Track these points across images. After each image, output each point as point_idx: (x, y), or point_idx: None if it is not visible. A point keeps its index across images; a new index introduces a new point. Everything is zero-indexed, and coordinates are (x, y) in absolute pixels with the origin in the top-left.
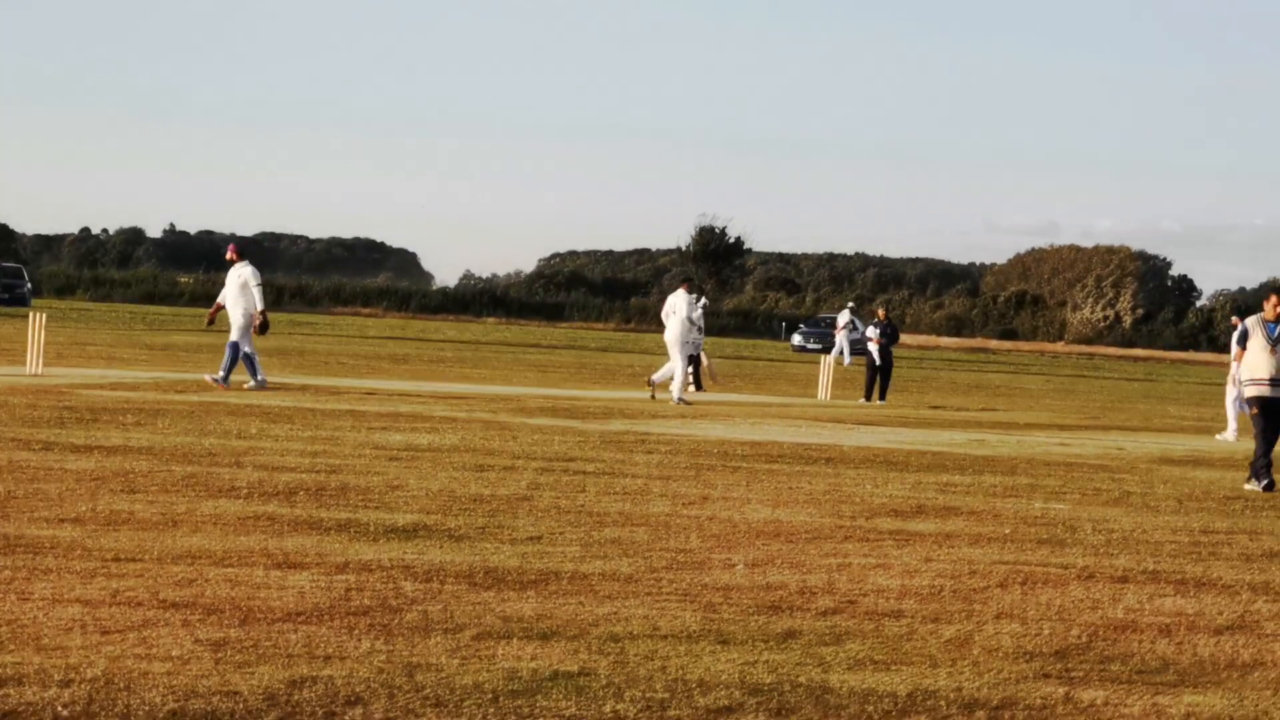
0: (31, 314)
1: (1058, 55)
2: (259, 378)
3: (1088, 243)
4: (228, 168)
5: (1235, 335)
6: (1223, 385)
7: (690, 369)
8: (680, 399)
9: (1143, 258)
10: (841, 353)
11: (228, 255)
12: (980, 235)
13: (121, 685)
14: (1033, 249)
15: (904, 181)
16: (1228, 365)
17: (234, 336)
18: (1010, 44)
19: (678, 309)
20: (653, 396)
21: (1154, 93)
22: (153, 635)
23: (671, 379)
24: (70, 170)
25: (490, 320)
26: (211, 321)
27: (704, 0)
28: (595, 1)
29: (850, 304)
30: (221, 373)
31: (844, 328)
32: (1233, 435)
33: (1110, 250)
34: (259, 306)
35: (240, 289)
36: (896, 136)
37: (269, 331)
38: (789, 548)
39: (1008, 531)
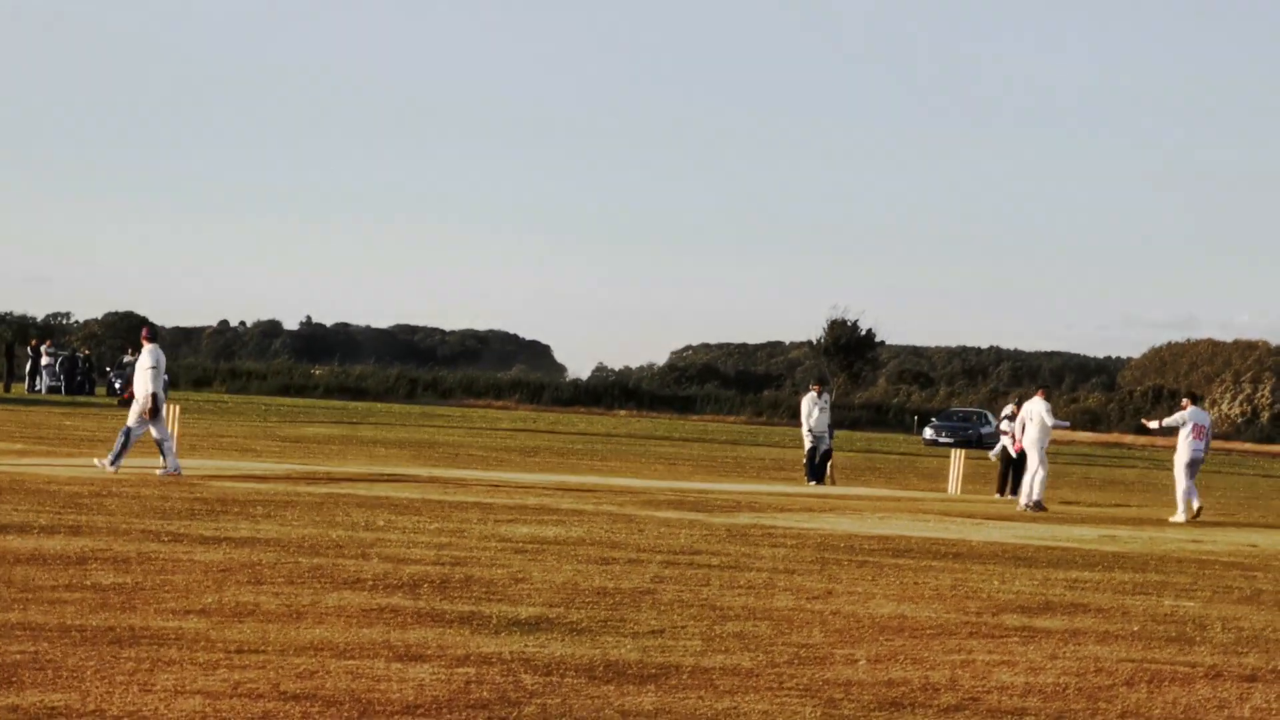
0: (167, 406)
1: (1195, 147)
2: (117, 462)
3: (1226, 336)
4: (363, 261)
5: None
6: None
7: (808, 462)
8: (1034, 503)
9: None
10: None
11: (142, 337)
12: (1117, 329)
13: None
14: (1169, 343)
15: (1039, 274)
16: None
17: (130, 420)
18: (1146, 135)
19: (1034, 414)
20: (1037, 506)
21: None
22: None
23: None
24: (208, 264)
25: (622, 413)
26: (123, 402)
27: (834, 98)
28: (723, 97)
29: (1015, 400)
30: (110, 458)
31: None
32: None
33: (1249, 345)
34: (148, 389)
35: (141, 371)
36: (1031, 229)
37: (158, 413)
38: (912, 643)
39: (1135, 629)
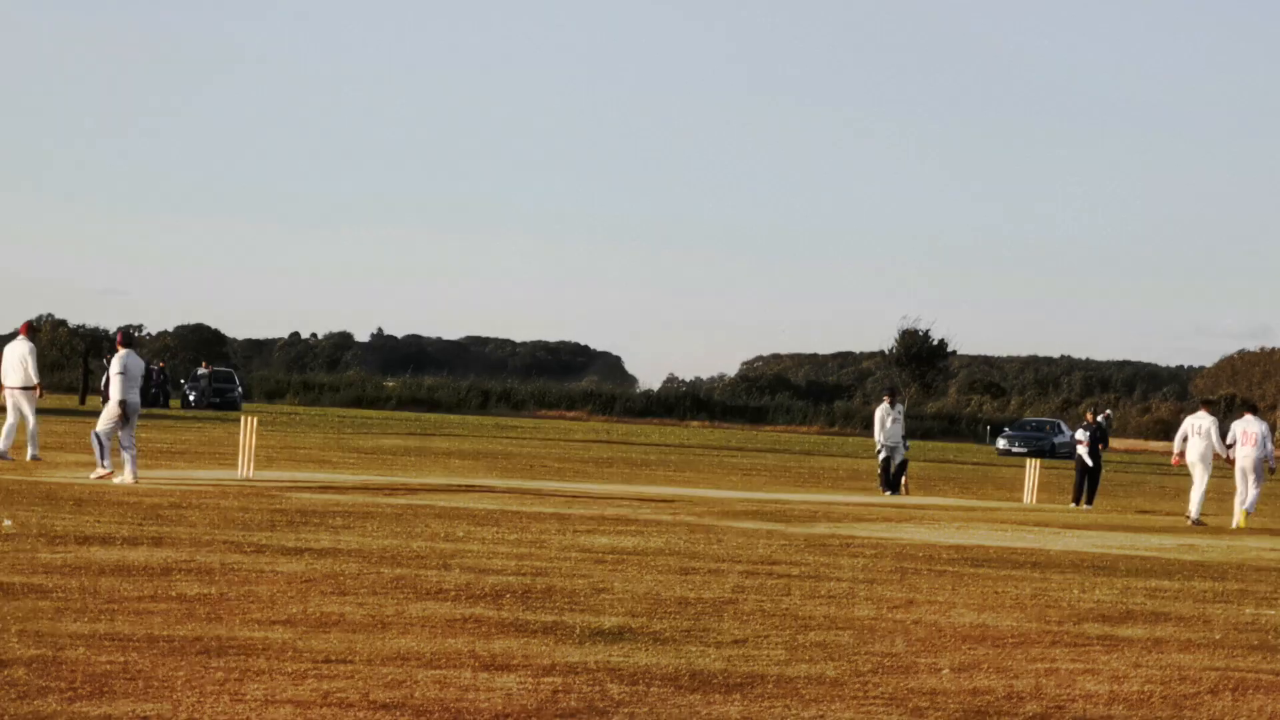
0: (243, 418)
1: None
2: (105, 461)
3: None
4: (434, 272)
5: None
6: None
7: (883, 472)
8: (1197, 519)
9: None
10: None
11: (116, 341)
12: (1189, 338)
13: None
14: (1241, 351)
15: (1110, 283)
16: None
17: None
18: (1221, 142)
19: (1202, 429)
20: (1196, 522)
21: None
22: None
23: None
24: (280, 276)
25: (694, 423)
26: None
27: (907, 107)
28: (791, 104)
29: (1108, 410)
30: (101, 461)
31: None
32: None
33: None
34: (118, 395)
35: (112, 377)
36: (1102, 238)
37: (128, 420)
38: (995, 652)
39: (1218, 637)
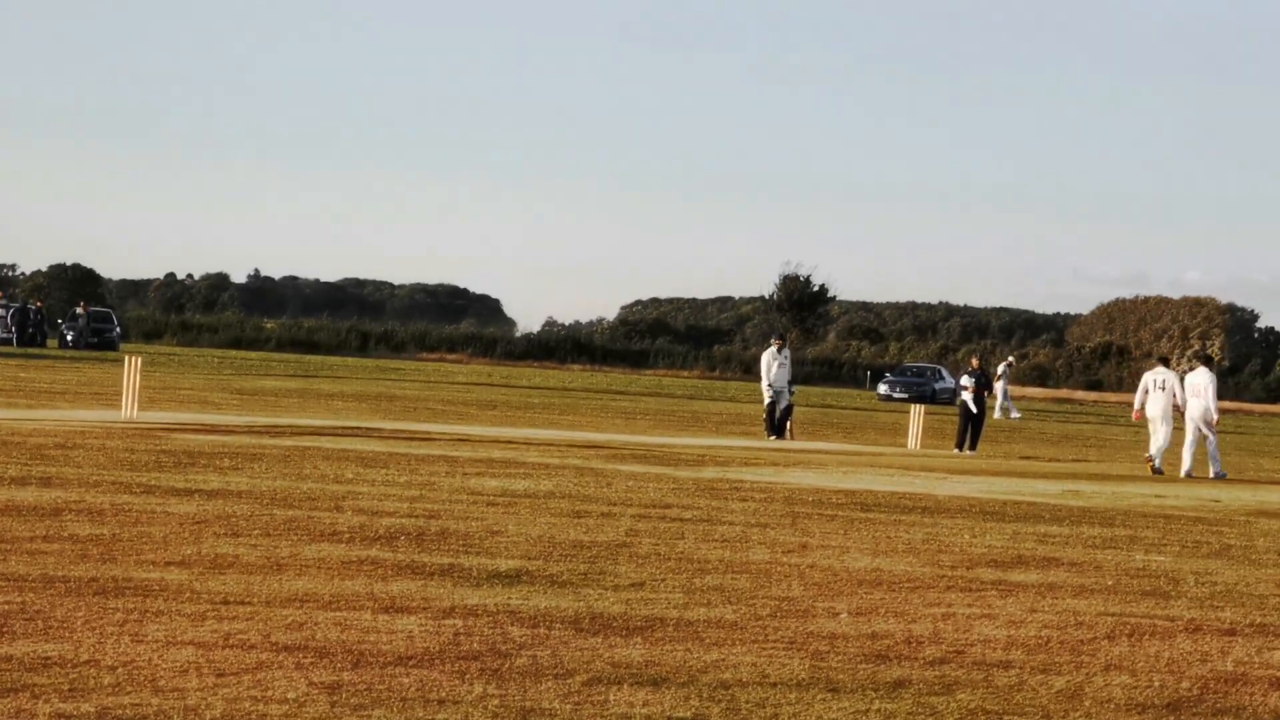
0: (126, 358)
1: (1145, 102)
2: None
3: (1176, 294)
4: (311, 213)
5: None
6: None
7: (768, 417)
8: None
9: (1230, 309)
10: (1006, 408)
11: None
12: (1067, 285)
13: None
14: (1118, 299)
15: (988, 230)
16: None
17: None
18: (1097, 90)
19: (1200, 389)
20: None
21: (1247, 142)
22: (267, 678)
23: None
24: (154, 215)
25: (575, 367)
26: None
27: (787, 46)
28: (673, 50)
29: (1010, 358)
30: None
31: (1001, 378)
32: None
33: (1197, 302)
34: None
35: None
36: (981, 183)
37: None
38: (892, 596)
39: (1110, 583)
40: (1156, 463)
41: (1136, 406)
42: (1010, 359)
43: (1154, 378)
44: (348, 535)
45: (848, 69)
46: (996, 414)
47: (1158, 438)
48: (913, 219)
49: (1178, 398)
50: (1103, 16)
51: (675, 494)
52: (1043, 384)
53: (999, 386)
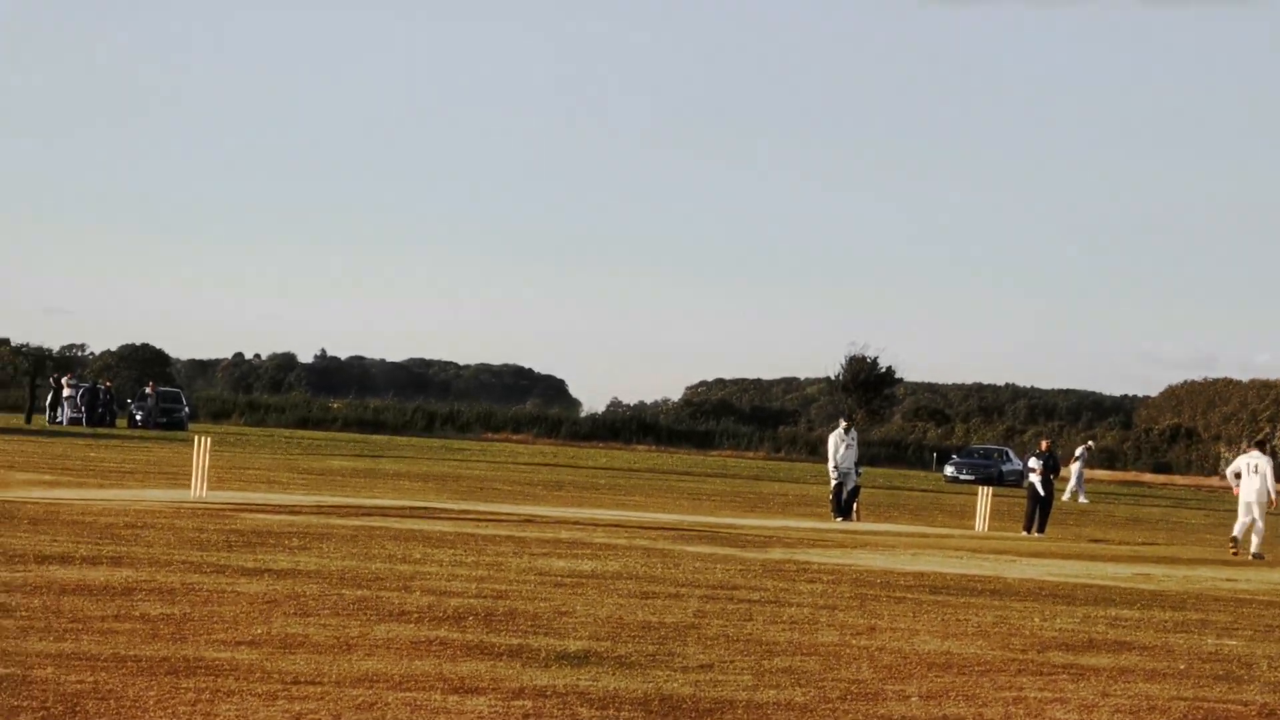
0: (196, 438)
1: (1213, 183)
2: None
3: (1245, 376)
4: (377, 294)
5: None
6: None
7: (834, 498)
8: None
9: None
10: (1075, 491)
11: None
12: (1134, 367)
13: None
14: (1186, 381)
15: (1055, 311)
16: None
17: None
18: (1167, 172)
19: (1259, 468)
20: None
21: None
22: None
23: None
24: (222, 296)
25: (640, 447)
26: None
27: (848, 125)
28: (735, 126)
29: (1090, 442)
30: None
31: (1078, 459)
32: None
33: (1266, 384)
34: None
35: None
36: (1048, 265)
37: None
38: (962, 680)
39: (1182, 667)
40: (1253, 548)
41: (1233, 486)
42: (1090, 443)
43: (1248, 462)
44: (416, 615)
45: (912, 147)
46: (1065, 496)
47: (1255, 523)
48: (979, 299)
49: (1271, 482)
50: (1173, 97)
51: (742, 575)
52: (1110, 466)
53: (1074, 468)
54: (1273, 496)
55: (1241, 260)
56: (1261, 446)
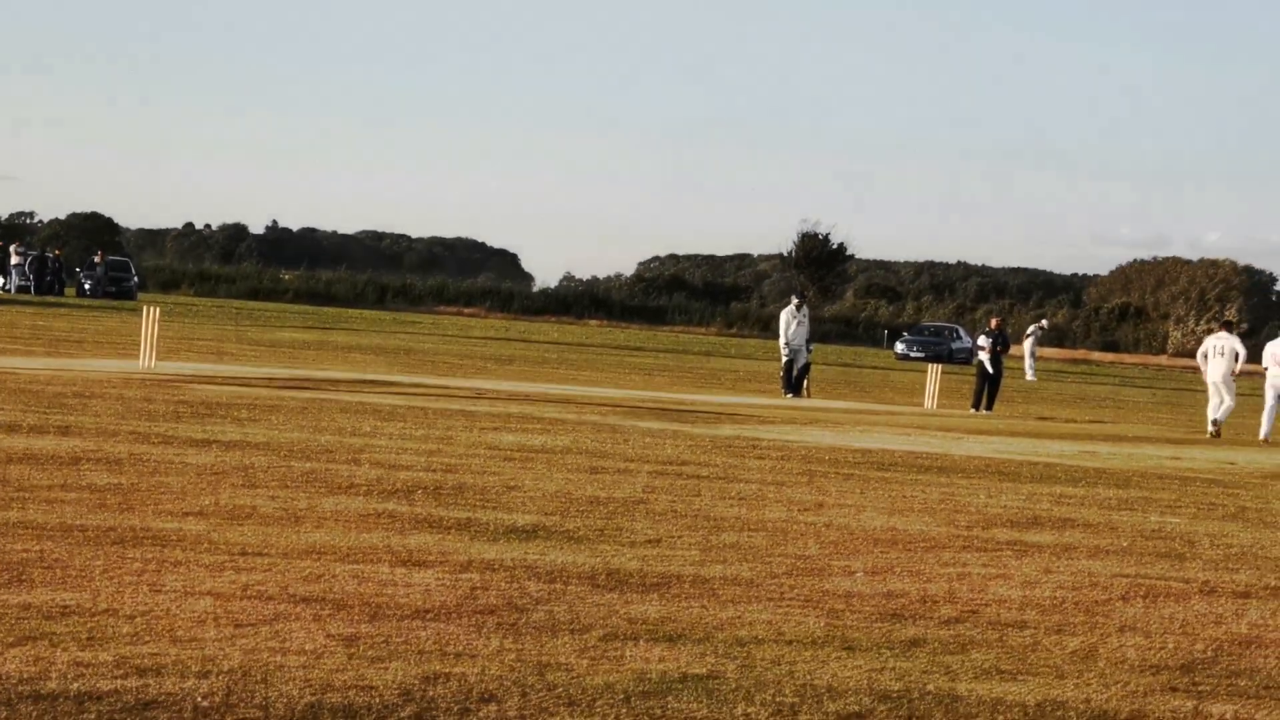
0: (144, 308)
1: (1167, 66)
2: None
3: (1194, 255)
4: (330, 164)
5: None
6: None
7: (785, 375)
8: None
9: (1248, 272)
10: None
11: None
12: (1085, 246)
13: (258, 678)
14: (1135, 261)
15: (1008, 190)
16: None
17: None
18: (1117, 50)
19: (1226, 349)
20: (1217, 435)
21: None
22: (285, 629)
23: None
24: (173, 164)
25: (592, 322)
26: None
27: (808, 4)
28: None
29: (1043, 320)
30: None
31: (1030, 337)
32: None
33: (1214, 264)
34: None
35: None
36: (1001, 143)
37: None
38: (907, 556)
39: (1125, 544)
40: (1216, 429)
41: (1202, 369)
42: (1044, 321)
43: (1215, 343)
44: (365, 488)
45: (869, 23)
46: (1029, 376)
47: (1225, 402)
48: (932, 178)
49: (1238, 362)
50: None
51: (692, 451)
52: (1059, 345)
53: (1027, 345)
54: (1235, 373)
55: (1192, 140)
56: (1229, 327)
